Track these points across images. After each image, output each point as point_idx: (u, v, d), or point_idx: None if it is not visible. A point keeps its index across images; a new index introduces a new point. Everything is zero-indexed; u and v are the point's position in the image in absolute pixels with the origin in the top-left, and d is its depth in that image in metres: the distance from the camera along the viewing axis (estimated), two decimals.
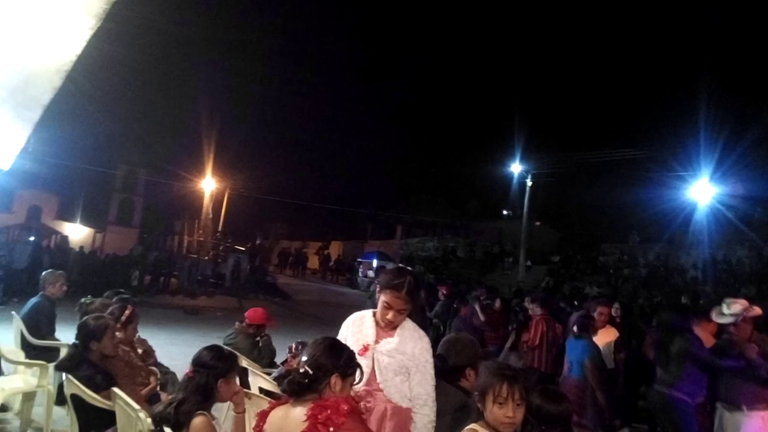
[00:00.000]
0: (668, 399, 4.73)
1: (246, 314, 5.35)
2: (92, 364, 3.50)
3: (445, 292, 9.93)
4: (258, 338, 5.32)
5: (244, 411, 2.88)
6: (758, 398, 4.42)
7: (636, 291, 16.63)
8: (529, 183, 23.09)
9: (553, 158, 23.00)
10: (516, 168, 23.25)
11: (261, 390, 4.15)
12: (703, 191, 18.41)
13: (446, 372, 3.04)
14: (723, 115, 18.67)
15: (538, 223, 30.70)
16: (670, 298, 13.68)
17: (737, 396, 4.45)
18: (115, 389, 3.17)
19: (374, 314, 2.99)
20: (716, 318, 4.74)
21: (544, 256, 25.93)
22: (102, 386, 3.33)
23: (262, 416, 2.20)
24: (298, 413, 2.05)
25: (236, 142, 29.45)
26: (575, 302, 10.36)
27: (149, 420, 2.67)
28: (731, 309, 4.61)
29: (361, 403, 2.71)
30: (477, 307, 8.45)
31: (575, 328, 5.75)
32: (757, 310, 4.70)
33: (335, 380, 2.15)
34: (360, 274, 28.70)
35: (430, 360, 2.93)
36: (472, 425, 2.29)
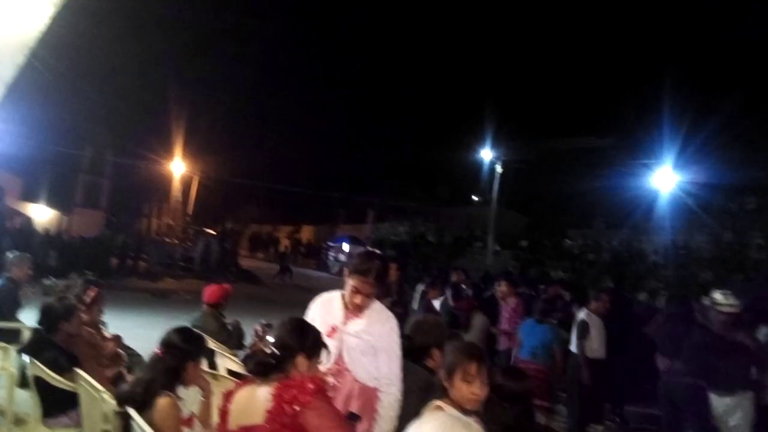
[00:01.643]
0: (692, 388, 4.73)
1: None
2: (56, 345, 3.47)
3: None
4: (226, 320, 5.33)
5: (210, 394, 2.90)
6: (749, 382, 4.67)
7: (600, 276, 17.06)
8: (499, 169, 23.31)
9: (522, 145, 23.24)
10: (486, 154, 23.42)
11: (229, 372, 4.16)
12: (665, 179, 18.87)
13: (412, 352, 3.10)
14: (686, 104, 19.14)
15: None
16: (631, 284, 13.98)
17: (732, 380, 4.63)
18: (79, 370, 3.15)
19: (342, 296, 3.03)
20: (724, 309, 4.80)
21: (513, 241, 26.32)
22: (65, 368, 3.30)
23: (228, 396, 2.22)
24: (263, 393, 2.08)
25: (207, 124, 28.79)
26: (541, 286, 10.54)
27: (113, 401, 2.66)
28: (730, 300, 4.79)
29: (330, 380, 2.75)
30: (448, 292, 8.52)
31: (538, 312, 5.89)
32: None
33: (301, 360, 2.18)
34: (331, 258, 28.74)
35: (397, 341, 2.98)
36: (437, 402, 2.35)
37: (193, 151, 29.13)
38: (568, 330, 6.13)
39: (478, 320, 7.27)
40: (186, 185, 30.72)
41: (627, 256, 19.93)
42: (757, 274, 16.05)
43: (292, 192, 30.15)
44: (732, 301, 4.77)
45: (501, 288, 7.09)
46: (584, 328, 5.87)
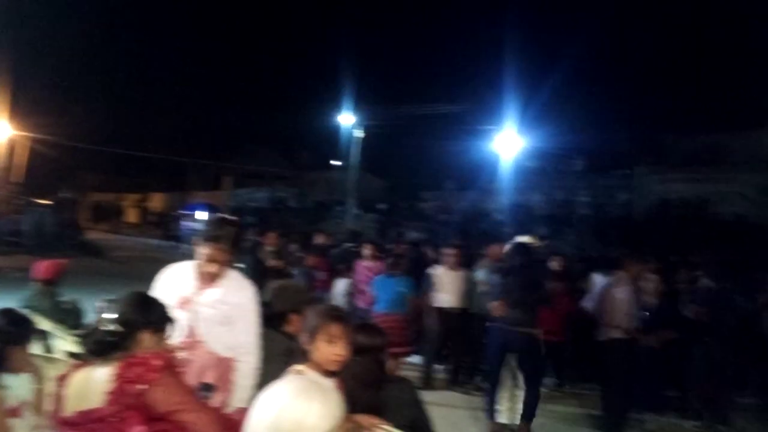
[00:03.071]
0: (533, 339, 5.08)
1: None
2: None
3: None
4: (62, 297, 4.90)
5: (43, 379, 2.65)
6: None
7: (450, 234, 18.15)
8: (359, 134, 23.58)
9: (380, 110, 23.72)
10: (345, 119, 23.55)
11: (67, 354, 3.84)
12: (508, 143, 20.46)
13: (270, 318, 3.07)
14: (526, 75, 20.93)
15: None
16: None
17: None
18: None
19: (195, 266, 2.90)
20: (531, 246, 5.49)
21: (373, 205, 27.05)
22: None
23: (62, 380, 2.03)
24: (103, 373, 1.94)
25: (40, 81, 25.27)
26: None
27: None
28: (532, 239, 5.43)
29: (181, 354, 2.64)
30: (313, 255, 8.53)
31: (388, 267, 6.25)
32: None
33: (147, 336, 2.06)
34: (183, 227, 27.35)
35: (255, 308, 2.94)
36: (297, 367, 2.36)
37: (22, 111, 25.64)
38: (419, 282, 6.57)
39: (339, 283, 7.45)
40: (13, 150, 27.16)
41: (474, 216, 21.46)
42: (585, 228, 18.16)
43: (138, 157, 27.98)
44: (534, 239, 5.56)
45: (366, 251, 7.25)
46: (429, 281, 6.44)
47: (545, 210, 20.68)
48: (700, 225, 17.21)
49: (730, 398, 5.83)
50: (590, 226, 18.84)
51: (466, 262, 6.85)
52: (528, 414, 5.02)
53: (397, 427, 2.26)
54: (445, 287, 6.45)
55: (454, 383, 6.52)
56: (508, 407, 5.33)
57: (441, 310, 6.43)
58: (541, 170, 22.80)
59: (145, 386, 1.88)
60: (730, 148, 20.79)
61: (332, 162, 33.27)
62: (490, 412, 5.22)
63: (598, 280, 7.12)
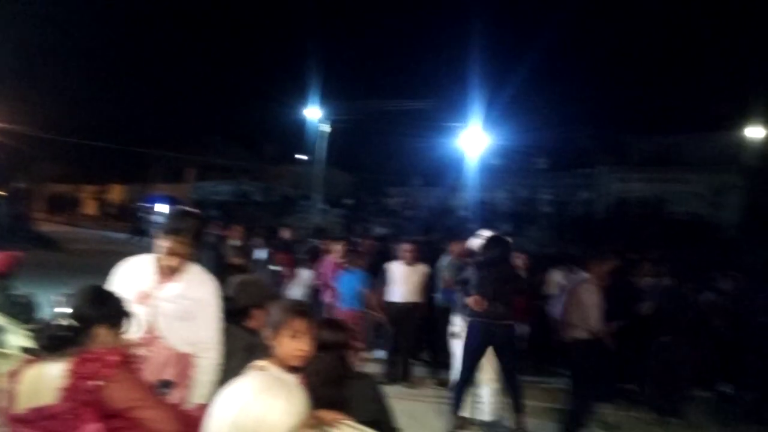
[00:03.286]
0: (512, 330, 5.16)
1: None
2: None
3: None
4: (16, 291, 4.74)
5: None
6: None
7: (416, 230, 18.26)
8: (326, 128, 23.45)
9: (347, 105, 23.66)
10: (312, 113, 23.39)
11: (19, 349, 3.71)
12: (475, 141, 20.68)
13: (233, 313, 3.03)
14: (494, 76, 21.19)
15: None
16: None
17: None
18: None
19: (155, 259, 2.83)
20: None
21: (339, 200, 26.98)
22: None
23: (14, 376, 1.96)
24: (56, 369, 1.88)
25: None
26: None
27: None
28: (484, 232, 5.56)
29: (139, 350, 2.58)
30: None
31: (347, 262, 6.29)
32: None
33: (102, 331, 2.01)
34: (143, 220, 26.74)
35: (216, 303, 2.89)
36: (259, 362, 2.33)
37: None
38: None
39: (303, 274, 7.44)
40: None
41: (439, 212, 21.66)
42: (547, 225, 18.51)
43: (98, 147, 27.17)
44: (484, 232, 5.53)
45: (338, 247, 7.15)
46: (383, 275, 6.55)
47: (509, 207, 21.02)
48: (657, 223, 17.75)
49: (685, 391, 6.03)
50: (552, 224, 19.23)
51: (428, 257, 6.91)
52: (518, 406, 5.09)
53: (360, 422, 2.25)
54: (400, 282, 6.53)
55: (411, 376, 6.56)
56: (471, 402, 5.37)
57: (394, 304, 6.52)
58: (505, 168, 23.16)
59: (100, 382, 1.83)
60: (686, 150, 21.49)
61: (298, 156, 32.94)
62: (456, 406, 5.21)
63: (557, 277, 7.28)
